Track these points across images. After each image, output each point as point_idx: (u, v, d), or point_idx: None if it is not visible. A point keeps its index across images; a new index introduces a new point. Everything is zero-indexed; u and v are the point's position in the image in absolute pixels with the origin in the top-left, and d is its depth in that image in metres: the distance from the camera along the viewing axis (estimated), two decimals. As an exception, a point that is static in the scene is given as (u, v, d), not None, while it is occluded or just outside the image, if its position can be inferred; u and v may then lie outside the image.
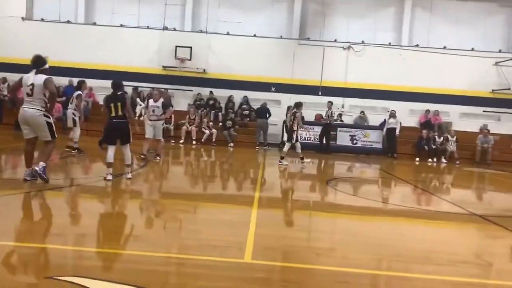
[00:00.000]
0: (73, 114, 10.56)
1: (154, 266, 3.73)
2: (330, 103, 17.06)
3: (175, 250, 4.34)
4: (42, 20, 19.14)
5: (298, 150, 11.79)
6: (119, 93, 7.50)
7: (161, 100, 10.63)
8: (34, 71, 6.51)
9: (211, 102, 18.57)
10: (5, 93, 17.77)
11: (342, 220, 6.35)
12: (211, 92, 18.76)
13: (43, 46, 18.21)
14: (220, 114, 18.35)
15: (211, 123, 17.41)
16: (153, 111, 10.42)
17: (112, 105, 7.37)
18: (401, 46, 18.88)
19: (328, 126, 16.72)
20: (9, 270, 3.60)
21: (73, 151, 10.51)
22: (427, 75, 18.31)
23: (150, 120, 10.46)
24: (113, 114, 7.38)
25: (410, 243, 5.19)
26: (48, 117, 6.60)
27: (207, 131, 16.82)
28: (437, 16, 19.26)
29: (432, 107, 18.53)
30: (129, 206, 6.46)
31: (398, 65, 18.45)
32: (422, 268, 4.17)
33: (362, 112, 18.42)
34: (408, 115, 18.62)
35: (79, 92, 10.71)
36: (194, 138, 16.58)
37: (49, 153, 6.79)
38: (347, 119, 18.72)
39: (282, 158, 11.72)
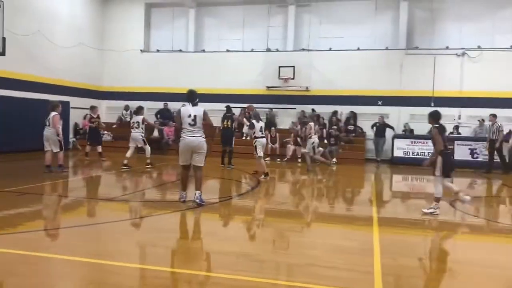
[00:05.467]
0: (141, 136, 12.54)
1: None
2: (494, 116, 14.45)
3: (296, 279, 4.16)
4: (158, 51, 20.90)
5: None
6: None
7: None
8: (190, 104, 7.35)
9: (315, 119, 18.41)
10: (128, 119, 19.67)
11: (472, 246, 5.74)
12: (313, 109, 18.55)
13: (159, 75, 20.06)
14: (324, 130, 18.10)
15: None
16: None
17: None
18: (525, 48, 16.99)
19: (494, 143, 14.34)
20: None
21: (147, 167, 12.55)
22: (558, 78, 16.21)
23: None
24: None
25: None
26: (208, 144, 7.49)
27: (312, 149, 16.66)
28: None
29: None
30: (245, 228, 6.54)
31: (522, 69, 16.58)
32: None
33: (482, 120, 16.76)
34: (537, 123, 16.53)
35: (54, 113, 10.86)
36: (299, 156, 16.54)
37: (201, 179, 7.40)
38: (465, 131, 17.24)
39: None
